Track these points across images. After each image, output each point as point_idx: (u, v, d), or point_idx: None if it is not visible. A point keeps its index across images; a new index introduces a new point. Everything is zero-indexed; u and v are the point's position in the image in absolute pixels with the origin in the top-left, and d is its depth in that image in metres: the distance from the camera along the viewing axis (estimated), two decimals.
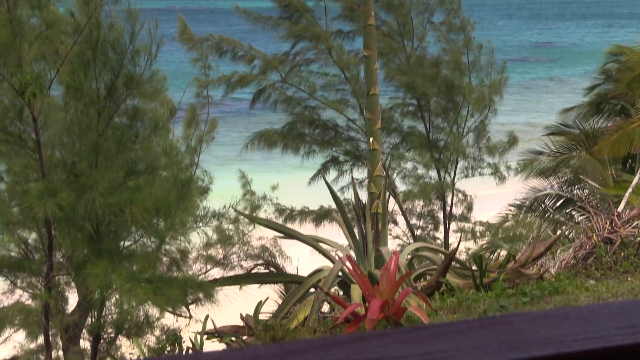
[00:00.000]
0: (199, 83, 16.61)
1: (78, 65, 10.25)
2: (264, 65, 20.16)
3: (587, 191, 21.15)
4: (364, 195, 15.83)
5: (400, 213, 21.35)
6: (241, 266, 14.22)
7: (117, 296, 10.77)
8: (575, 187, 21.99)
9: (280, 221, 19.11)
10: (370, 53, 15.24)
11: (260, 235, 14.54)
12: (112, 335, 11.63)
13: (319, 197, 17.89)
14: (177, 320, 11.79)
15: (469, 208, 21.69)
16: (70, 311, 11.64)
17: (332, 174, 21.37)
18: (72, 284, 11.57)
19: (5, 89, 10.15)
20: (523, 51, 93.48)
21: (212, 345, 11.53)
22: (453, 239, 20.83)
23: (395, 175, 21.64)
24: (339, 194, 19.26)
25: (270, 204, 17.59)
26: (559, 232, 18.18)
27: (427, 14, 21.16)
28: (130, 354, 11.97)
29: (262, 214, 15.37)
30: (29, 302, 11.39)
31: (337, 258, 13.32)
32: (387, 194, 17.29)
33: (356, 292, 12.40)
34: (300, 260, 15.53)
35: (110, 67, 10.24)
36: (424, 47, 21.35)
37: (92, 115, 10.24)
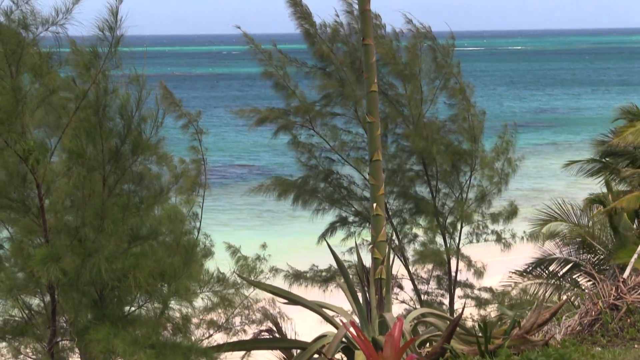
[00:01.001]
0: (195, 150, 16.67)
1: (82, 131, 10.32)
2: (300, 106, 20.48)
3: (594, 255, 21.12)
4: (369, 259, 15.83)
5: (408, 277, 21.38)
6: (244, 331, 14.17)
7: None
8: (583, 251, 21.96)
9: (284, 285, 19.12)
10: (374, 119, 15.30)
11: (263, 297, 14.51)
12: None
13: (328, 256, 17.91)
14: None
15: (479, 274, 21.68)
16: None
17: (341, 235, 21.48)
18: (76, 349, 11.51)
19: (8, 155, 10.19)
20: (525, 117, 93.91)
21: None
22: (458, 304, 20.78)
23: (402, 239, 21.69)
24: (346, 255, 19.29)
25: (273, 268, 17.60)
26: (564, 297, 18.10)
27: (437, 81, 21.38)
28: None
29: (263, 276, 15.34)
30: None
31: (341, 324, 13.26)
32: (394, 257, 17.29)
33: (360, 358, 12.33)
34: (304, 323, 15.48)
35: (116, 132, 10.31)
36: (430, 112, 21.53)
37: (96, 181, 10.27)
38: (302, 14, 20.45)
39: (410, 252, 21.69)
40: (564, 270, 21.80)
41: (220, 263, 13.23)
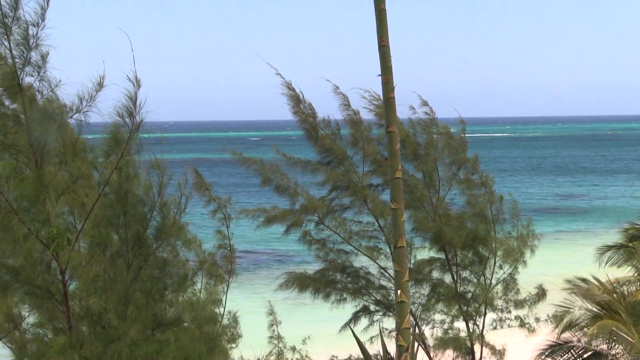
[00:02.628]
0: (222, 235, 16.71)
1: (104, 218, 10.33)
2: (307, 204, 20.47)
3: (620, 346, 20.76)
4: (393, 347, 15.62)
5: None
6: None
7: None
8: (607, 341, 21.58)
9: None
10: (398, 206, 15.25)
11: None
12: None
13: (350, 345, 17.73)
14: None
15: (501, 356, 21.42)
16: None
17: (363, 323, 21.31)
18: None
19: (32, 242, 10.21)
20: (546, 203, 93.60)
21: None
22: None
23: (424, 326, 21.49)
24: (368, 343, 19.08)
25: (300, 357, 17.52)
26: None
27: (453, 167, 21.46)
28: None
29: None
30: None
31: None
32: (416, 345, 17.08)
33: None
34: None
35: (139, 218, 10.32)
36: (450, 200, 21.56)
37: (120, 267, 10.26)
38: (305, 115, 20.70)
39: (430, 338, 21.47)
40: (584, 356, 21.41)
41: (244, 349, 13.14)
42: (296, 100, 20.76)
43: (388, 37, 9.41)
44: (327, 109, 21.43)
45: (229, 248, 15.72)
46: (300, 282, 21.04)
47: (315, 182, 21.15)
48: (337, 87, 20.84)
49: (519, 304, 21.34)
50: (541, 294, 21.48)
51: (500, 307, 21.35)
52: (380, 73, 9.67)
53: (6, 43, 10.31)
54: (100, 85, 10.66)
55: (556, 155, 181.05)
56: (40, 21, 10.40)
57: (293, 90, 20.71)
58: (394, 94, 14.02)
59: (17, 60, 10.31)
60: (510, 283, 21.29)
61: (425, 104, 21.79)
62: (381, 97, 20.61)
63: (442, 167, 21.42)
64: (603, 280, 24.19)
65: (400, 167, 15.96)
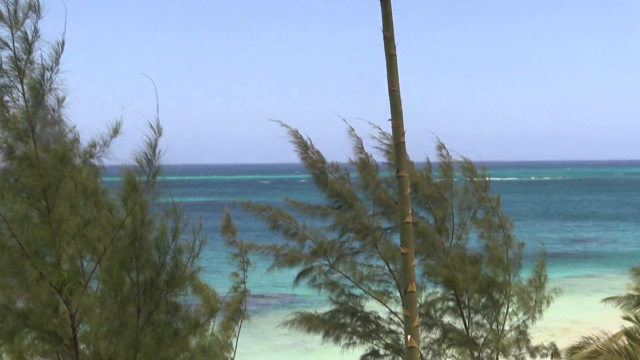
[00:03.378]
0: (237, 277, 16.69)
1: (117, 263, 10.31)
2: (317, 248, 20.49)
3: None
4: None
5: None
6: None
7: None
8: None
9: None
10: (408, 250, 15.20)
11: None
12: None
13: None
14: None
15: None
16: None
17: None
18: None
19: (43, 286, 10.18)
20: (558, 248, 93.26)
21: None
22: None
23: None
24: None
25: None
26: None
27: (469, 211, 21.41)
28: None
29: None
30: None
31: None
32: None
33: None
34: None
35: (152, 264, 10.30)
36: (464, 243, 21.47)
37: (131, 312, 10.22)
38: (313, 160, 20.82)
39: None
40: None
41: None
42: (304, 147, 20.89)
43: (398, 82, 9.43)
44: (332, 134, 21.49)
45: (243, 291, 15.68)
46: (310, 323, 20.97)
47: (326, 227, 21.15)
48: (352, 129, 20.92)
49: (532, 353, 21.20)
50: (554, 353, 21.41)
51: (514, 354, 21.19)
52: (390, 118, 9.67)
53: (19, 86, 10.36)
54: (116, 132, 10.70)
55: (565, 199, 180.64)
56: (54, 65, 10.46)
57: (300, 137, 20.85)
58: (405, 139, 14.06)
59: (30, 103, 10.35)
60: (523, 331, 21.15)
61: (441, 147, 21.81)
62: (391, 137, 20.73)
63: (458, 209, 21.36)
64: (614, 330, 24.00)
65: (410, 212, 15.98)
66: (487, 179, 21.63)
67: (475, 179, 21.40)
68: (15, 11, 10.35)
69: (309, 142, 20.88)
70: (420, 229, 21.02)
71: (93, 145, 10.80)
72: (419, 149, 22.40)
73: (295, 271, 20.99)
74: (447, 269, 20.62)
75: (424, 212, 21.67)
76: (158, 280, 10.29)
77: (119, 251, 10.30)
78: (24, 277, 9.93)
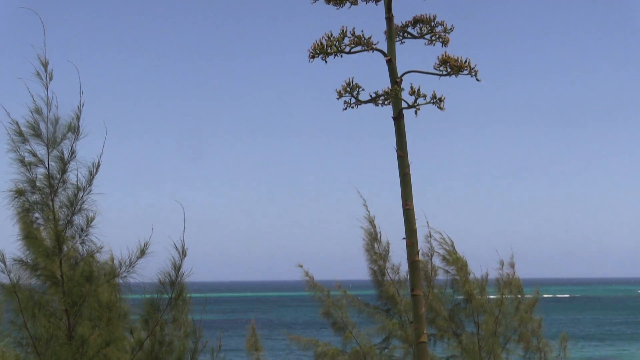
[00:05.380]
0: None
1: None
2: (359, 350, 20.19)
3: None
4: None
5: None
6: None
7: None
8: None
9: None
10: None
11: None
12: None
13: None
14: None
15: None
16: None
17: None
18: None
19: None
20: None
21: None
22: None
23: None
24: None
25: None
26: None
27: (514, 330, 21.12)
28: None
29: None
30: None
31: None
32: None
33: None
34: None
35: None
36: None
37: None
38: (377, 256, 20.43)
39: None
40: None
41: None
42: (373, 237, 20.50)
43: (412, 200, 9.46)
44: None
45: None
46: None
47: (370, 328, 20.84)
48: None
49: None
50: None
51: None
52: (405, 236, 9.68)
53: (50, 204, 10.45)
54: (142, 253, 10.74)
55: (582, 319, 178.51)
56: (87, 186, 10.57)
57: (374, 226, 20.47)
58: (419, 257, 14.02)
59: (60, 222, 10.43)
60: None
61: (502, 263, 21.49)
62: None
63: (501, 329, 21.05)
64: None
65: (425, 331, 15.83)
66: (537, 296, 21.42)
67: (521, 296, 21.16)
68: (55, 131, 10.53)
69: (379, 235, 20.45)
70: (464, 346, 20.70)
71: (119, 264, 10.83)
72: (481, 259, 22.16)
73: None
74: None
75: (472, 326, 21.23)
76: None
77: None
78: None
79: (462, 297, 20.65)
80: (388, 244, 20.53)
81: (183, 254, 10.64)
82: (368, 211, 20.25)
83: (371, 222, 20.37)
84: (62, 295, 10.24)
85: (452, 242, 21.12)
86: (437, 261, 20.99)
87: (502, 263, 21.26)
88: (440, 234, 20.76)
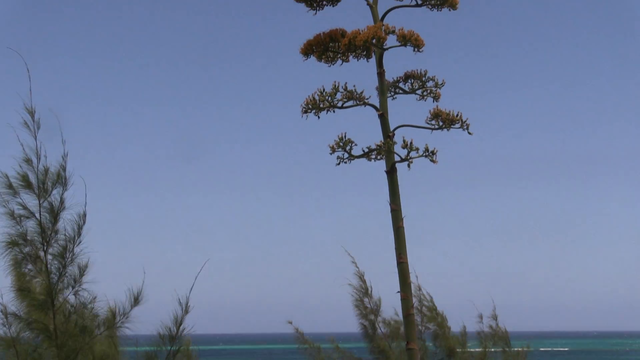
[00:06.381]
0: None
1: None
2: None
3: None
4: None
5: None
6: None
7: None
8: None
9: None
10: None
11: None
12: None
13: None
14: None
15: None
16: None
17: None
18: None
19: None
20: None
21: None
22: None
23: None
24: None
25: None
26: None
27: None
28: None
29: None
30: None
31: None
32: None
33: None
34: None
35: None
36: None
37: None
38: (368, 310, 20.40)
39: None
40: None
41: None
42: (364, 292, 20.50)
43: (406, 254, 9.47)
44: None
45: None
46: None
47: None
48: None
49: None
50: None
51: None
52: (399, 290, 9.68)
53: (43, 255, 10.44)
54: (136, 301, 10.71)
55: None
56: (77, 237, 10.56)
57: (364, 281, 20.46)
58: (414, 310, 13.99)
59: (53, 274, 10.41)
60: None
61: (481, 316, 21.43)
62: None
63: None
64: None
65: None
66: (524, 349, 21.29)
67: (509, 350, 21.05)
68: (45, 181, 10.53)
69: (370, 289, 20.42)
70: None
71: (113, 315, 10.79)
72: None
73: None
74: None
75: None
76: None
77: None
78: None
79: (445, 351, 20.61)
80: (380, 299, 20.57)
81: (186, 310, 10.64)
82: (357, 267, 20.30)
83: (361, 277, 20.46)
84: (56, 349, 10.20)
85: (431, 297, 21.08)
86: (417, 317, 20.99)
87: (480, 317, 21.34)
88: (420, 289, 20.76)
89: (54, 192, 10.57)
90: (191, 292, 10.60)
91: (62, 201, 10.58)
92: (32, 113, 10.53)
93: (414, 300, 20.79)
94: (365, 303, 20.44)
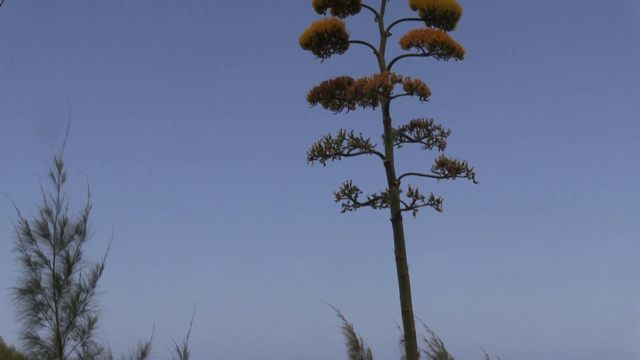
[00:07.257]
0: None
1: None
2: None
3: None
4: None
5: None
6: None
7: None
8: None
9: None
10: None
11: None
12: None
13: None
14: None
15: None
16: None
17: None
18: None
19: None
20: None
21: None
22: None
23: None
24: None
25: None
26: None
27: None
28: None
29: None
30: None
31: None
32: None
33: None
34: None
35: None
36: None
37: None
38: (355, 343, 20.34)
39: None
40: None
41: None
42: (355, 345, 20.51)
43: (411, 302, 9.26)
44: None
45: None
46: None
47: None
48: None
49: None
50: None
51: None
52: (404, 338, 9.44)
53: (53, 305, 10.48)
54: (144, 355, 10.66)
55: None
56: (91, 287, 10.61)
57: (354, 335, 20.51)
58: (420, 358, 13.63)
59: (62, 322, 10.44)
60: None
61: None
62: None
63: None
64: None
65: None
66: None
67: None
68: (62, 232, 10.65)
69: (360, 342, 20.43)
70: None
71: None
72: None
73: None
74: None
75: None
76: None
77: None
78: None
79: None
80: (369, 350, 20.53)
81: (184, 357, 10.55)
82: (345, 320, 20.24)
83: (350, 330, 20.45)
84: None
85: (442, 343, 20.65)
86: None
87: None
88: (432, 334, 20.41)
89: (71, 243, 10.68)
90: (188, 337, 10.51)
91: (78, 252, 10.68)
92: (59, 165, 10.77)
93: (425, 345, 20.51)
94: (358, 356, 20.35)
